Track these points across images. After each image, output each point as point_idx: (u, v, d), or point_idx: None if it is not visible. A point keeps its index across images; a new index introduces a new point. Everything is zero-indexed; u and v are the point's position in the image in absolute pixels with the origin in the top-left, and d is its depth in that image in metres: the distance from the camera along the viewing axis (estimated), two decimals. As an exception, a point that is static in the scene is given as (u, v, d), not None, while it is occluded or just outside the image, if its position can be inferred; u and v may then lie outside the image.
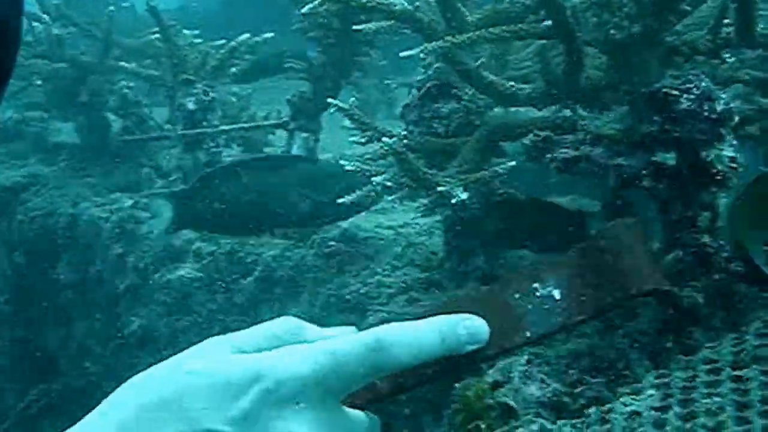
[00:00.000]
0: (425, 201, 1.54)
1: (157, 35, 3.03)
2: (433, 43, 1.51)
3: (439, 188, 1.49)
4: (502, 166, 1.50)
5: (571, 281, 0.86)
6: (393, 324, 0.67)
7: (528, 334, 0.75)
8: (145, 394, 0.60)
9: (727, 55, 1.65)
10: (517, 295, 0.78)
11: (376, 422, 0.69)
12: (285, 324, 0.67)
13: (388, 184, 1.47)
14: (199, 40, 3.26)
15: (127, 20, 4.09)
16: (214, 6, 8.93)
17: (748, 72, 1.48)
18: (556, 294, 0.80)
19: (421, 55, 1.49)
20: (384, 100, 4.35)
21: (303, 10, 1.57)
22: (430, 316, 0.69)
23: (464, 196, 1.41)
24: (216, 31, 3.85)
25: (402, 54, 1.53)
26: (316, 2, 1.52)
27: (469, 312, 0.70)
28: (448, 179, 1.53)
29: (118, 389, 0.62)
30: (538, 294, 0.80)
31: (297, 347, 0.63)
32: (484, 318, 0.70)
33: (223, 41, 3.19)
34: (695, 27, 1.65)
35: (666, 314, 1.39)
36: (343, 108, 1.73)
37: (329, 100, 1.72)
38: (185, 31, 3.07)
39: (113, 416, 0.59)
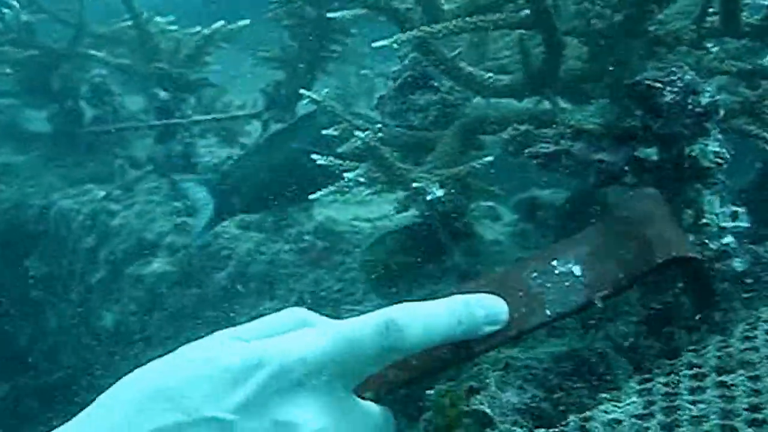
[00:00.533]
0: (400, 197, 1.49)
1: (129, 22, 2.95)
2: (407, 32, 1.45)
3: (414, 184, 1.43)
4: (479, 161, 1.44)
5: (591, 256, 0.81)
6: (407, 304, 0.62)
7: (548, 312, 0.69)
8: (146, 385, 0.57)
9: (711, 45, 1.60)
10: (534, 274, 0.72)
11: (390, 417, 0.64)
12: (291, 315, 0.62)
13: (362, 180, 1.41)
14: (174, 27, 3.18)
15: (101, 6, 3.98)
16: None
17: (733, 63, 1.43)
18: (577, 270, 0.76)
19: (395, 46, 1.43)
20: (364, 88, 4.29)
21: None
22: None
23: (440, 192, 1.35)
24: (197, 19, 3.78)
25: (374, 44, 1.47)
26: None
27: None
28: (423, 175, 1.47)
29: (119, 382, 0.59)
30: (557, 272, 0.74)
31: (304, 331, 0.59)
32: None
33: (198, 28, 3.12)
34: (678, 16, 1.60)
35: (649, 314, 1.34)
36: (316, 99, 1.67)
37: (301, 91, 1.65)
38: (158, 18, 2.98)
39: (114, 407, 0.56)
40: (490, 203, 2.05)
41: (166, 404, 0.54)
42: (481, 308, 0.63)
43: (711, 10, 1.50)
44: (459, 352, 0.64)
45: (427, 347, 0.60)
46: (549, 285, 0.72)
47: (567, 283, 0.73)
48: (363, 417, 0.60)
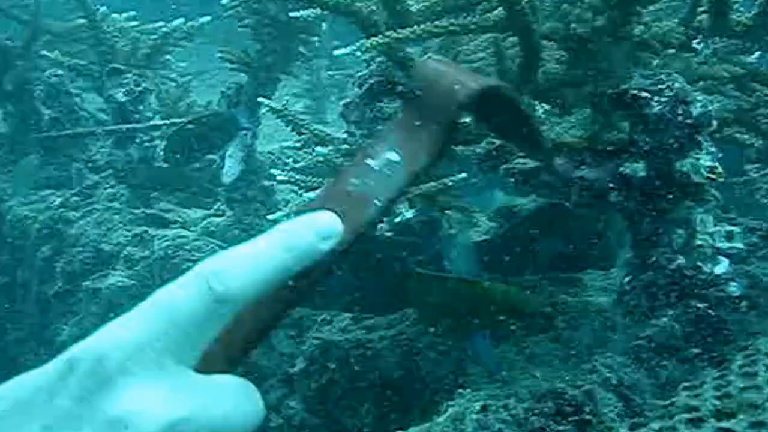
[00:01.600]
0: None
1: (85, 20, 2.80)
2: (372, 39, 1.33)
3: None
4: (452, 178, 1.32)
5: (401, 137, 0.75)
6: (222, 252, 0.51)
7: (378, 203, 0.62)
8: None
9: (700, 44, 1.49)
10: (354, 181, 0.65)
11: (250, 386, 0.52)
12: None
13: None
14: (134, 23, 3.03)
15: (59, 1, 3.81)
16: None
17: (725, 68, 1.32)
18: (393, 156, 0.69)
19: (358, 53, 1.30)
20: (337, 84, 4.16)
21: (223, 1, 1.37)
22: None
23: (409, 214, 1.23)
24: (164, 9, 3.63)
25: (336, 52, 1.34)
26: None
27: None
28: (391, 192, 1.35)
29: None
30: (375, 167, 0.68)
31: (127, 314, 0.49)
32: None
33: (159, 24, 2.97)
34: (663, 14, 1.49)
35: (638, 344, 1.23)
36: (275, 109, 1.54)
37: (260, 99, 1.52)
38: (114, 15, 2.83)
39: None
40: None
41: None
42: (307, 228, 0.54)
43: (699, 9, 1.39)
44: (299, 282, 0.54)
45: (261, 289, 0.51)
46: (372, 182, 0.66)
47: (388, 172, 0.67)
48: (213, 393, 0.50)
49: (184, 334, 0.49)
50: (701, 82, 1.38)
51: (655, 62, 1.32)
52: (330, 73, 3.38)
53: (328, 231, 0.54)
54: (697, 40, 1.49)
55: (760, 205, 1.91)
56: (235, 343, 0.56)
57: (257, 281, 0.51)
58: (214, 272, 0.50)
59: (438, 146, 0.79)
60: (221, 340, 0.54)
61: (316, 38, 2.29)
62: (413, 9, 1.49)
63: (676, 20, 1.43)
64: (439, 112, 0.84)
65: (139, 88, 2.62)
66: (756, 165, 2.01)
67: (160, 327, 0.48)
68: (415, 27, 1.34)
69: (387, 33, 1.33)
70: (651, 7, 1.38)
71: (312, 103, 4.21)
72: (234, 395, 0.50)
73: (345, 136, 1.59)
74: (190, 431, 0.47)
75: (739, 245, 1.25)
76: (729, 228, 1.25)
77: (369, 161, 0.72)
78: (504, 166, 1.28)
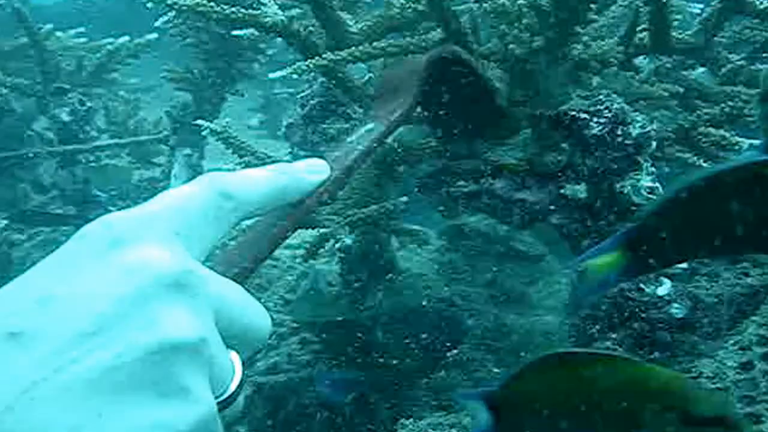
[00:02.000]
0: (308, 241, 1.34)
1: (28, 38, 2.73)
2: (309, 61, 1.30)
3: (323, 229, 1.28)
4: (393, 201, 1.30)
5: (376, 109, 0.90)
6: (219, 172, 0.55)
7: (360, 148, 0.74)
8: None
9: (645, 60, 1.49)
10: (337, 152, 0.74)
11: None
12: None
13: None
14: (83, 39, 2.97)
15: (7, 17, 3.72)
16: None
17: (665, 87, 1.31)
18: (369, 126, 0.81)
19: (294, 76, 1.28)
20: (291, 98, 4.12)
21: (156, 24, 1.34)
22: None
23: (349, 240, 1.21)
24: (118, 22, 3.55)
25: (271, 75, 1.32)
26: (170, 15, 1.29)
27: None
28: (332, 217, 1.33)
29: None
30: (354, 138, 0.78)
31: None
32: None
33: (107, 40, 2.92)
34: (602, 32, 1.48)
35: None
36: (215, 131, 1.51)
37: (199, 122, 1.49)
38: (59, 33, 2.78)
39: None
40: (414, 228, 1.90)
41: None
42: (300, 163, 0.61)
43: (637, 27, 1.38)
44: (296, 207, 0.62)
45: (261, 198, 0.55)
46: (353, 143, 0.76)
47: (367, 135, 0.79)
48: (227, 282, 0.50)
49: (192, 223, 0.50)
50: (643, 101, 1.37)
51: (594, 82, 1.31)
52: (278, 91, 3.35)
53: (317, 166, 0.61)
54: (640, 58, 1.49)
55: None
56: (244, 256, 0.60)
57: (257, 189, 0.54)
58: (219, 177, 0.53)
59: (408, 104, 0.92)
60: (230, 256, 0.60)
61: (261, 56, 2.26)
62: (353, 29, 1.47)
63: (615, 38, 1.42)
64: (408, 79, 0.98)
65: (85, 107, 2.57)
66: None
67: (171, 212, 0.49)
68: (354, 48, 1.32)
69: (325, 55, 1.31)
70: (591, 26, 1.38)
71: (266, 117, 4.18)
72: (246, 297, 0.50)
73: (288, 157, 1.56)
74: (209, 293, 0.46)
75: (683, 265, 1.24)
76: (671, 248, 1.24)
77: (349, 139, 0.79)
78: (446, 189, 1.26)
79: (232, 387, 0.47)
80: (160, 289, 0.44)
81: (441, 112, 1.17)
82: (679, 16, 1.43)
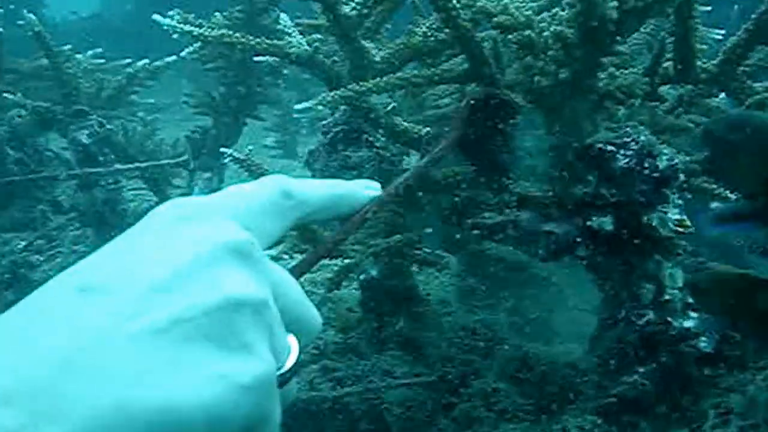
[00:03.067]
0: (329, 274, 1.34)
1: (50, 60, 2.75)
2: (334, 92, 1.30)
3: (346, 260, 1.28)
4: (418, 232, 1.29)
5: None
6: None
7: (409, 172, 0.79)
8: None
9: (668, 89, 1.48)
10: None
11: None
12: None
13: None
14: (101, 60, 2.99)
15: (22, 38, 3.76)
16: (129, 11, 8.59)
17: (690, 119, 1.31)
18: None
19: (319, 107, 1.28)
20: (308, 119, 4.13)
21: (182, 54, 1.34)
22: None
23: (374, 272, 1.20)
24: (130, 40, 3.57)
25: (297, 106, 1.32)
26: (196, 46, 1.29)
27: None
28: (356, 247, 1.32)
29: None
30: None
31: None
32: None
33: (127, 61, 2.94)
34: (626, 59, 1.48)
35: (608, 402, 1.21)
36: (237, 158, 1.51)
37: (222, 149, 1.49)
38: (79, 56, 2.79)
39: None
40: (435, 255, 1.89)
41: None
42: (354, 181, 0.65)
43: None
44: (349, 223, 0.67)
45: (318, 203, 0.59)
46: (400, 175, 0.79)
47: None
48: (287, 276, 0.53)
49: (254, 213, 0.53)
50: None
51: (620, 112, 1.31)
52: (297, 115, 3.35)
53: (370, 185, 0.64)
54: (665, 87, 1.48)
55: (731, 246, 1.90)
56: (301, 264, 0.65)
57: (316, 193, 0.57)
58: (282, 178, 0.56)
59: (451, 139, 1.06)
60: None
61: (281, 82, 2.26)
62: (376, 58, 1.47)
63: (640, 68, 1.42)
64: (453, 120, 1.14)
65: (103, 130, 2.58)
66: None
67: (236, 200, 0.52)
68: (378, 80, 1.32)
69: (349, 86, 1.31)
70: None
71: (283, 137, 4.18)
72: (300, 289, 0.52)
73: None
74: (269, 269, 0.49)
75: (709, 298, 1.23)
76: (698, 281, 1.23)
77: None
78: (470, 220, 1.26)
79: (288, 365, 0.49)
80: (225, 254, 0.47)
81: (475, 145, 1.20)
82: (704, 46, 1.43)
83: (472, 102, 1.19)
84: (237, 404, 0.45)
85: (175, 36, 1.32)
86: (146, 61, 2.69)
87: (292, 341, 0.51)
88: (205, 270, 0.46)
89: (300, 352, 0.51)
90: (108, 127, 2.58)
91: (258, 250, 0.49)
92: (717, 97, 1.59)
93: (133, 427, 0.42)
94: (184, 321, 0.44)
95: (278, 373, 0.48)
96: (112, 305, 0.44)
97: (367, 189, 0.65)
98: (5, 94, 2.67)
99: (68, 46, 3.00)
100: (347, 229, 0.68)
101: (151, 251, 0.47)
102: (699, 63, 1.43)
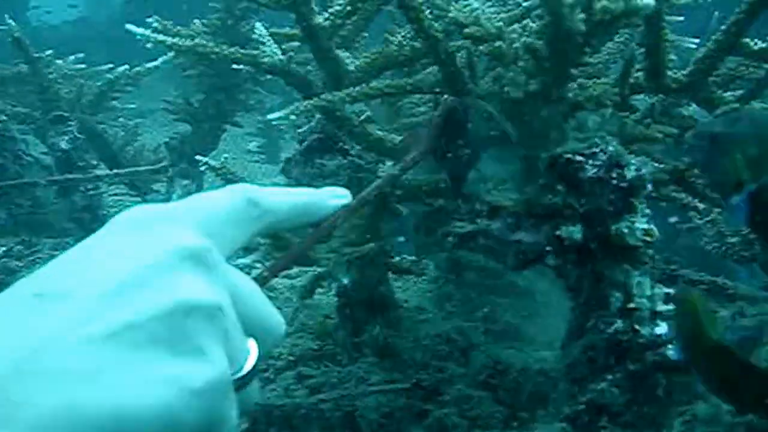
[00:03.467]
0: (302, 282, 1.35)
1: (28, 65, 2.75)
2: (307, 102, 1.31)
3: (318, 269, 1.29)
4: (390, 240, 1.31)
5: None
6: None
7: (382, 180, 0.83)
8: None
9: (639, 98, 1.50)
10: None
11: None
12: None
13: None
14: (82, 65, 2.99)
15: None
16: (115, 15, 8.56)
17: (660, 129, 1.32)
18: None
19: (292, 117, 1.29)
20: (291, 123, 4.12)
21: (155, 63, 1.35)
22: None
23: (346, 280, 1.21)
24: (115, 44, 3.56)
25: (270, 116, 1.33)
26: (170, 55, 1.30)
27: None
28: (329, 255, 1.33)
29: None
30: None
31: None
32: None
33: (107, 66, 2.94)
34: (597, 68, 1.49)
35: (577, 409, 1.22)
36: (213, 167, 1.52)
37: (198, 157, 1.50)
38: (59, 61, 2.79)
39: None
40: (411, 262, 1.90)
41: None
42: (323, 189, 0.63)
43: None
44: (318, 231, 0.69)
45: (285, 212, 0.58)
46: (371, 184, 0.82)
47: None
48: (248, 280, 0.52)
49: (217, 220, 0.52)
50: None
51: (589, 122, 1.32)
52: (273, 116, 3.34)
53: (339, 193, 0.63)
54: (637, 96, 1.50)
55: (705, 251, 1.92)
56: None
57: (283, 203, 0.57)
58: (249, 186, 0.55)
59: (421, 150, 1.04)
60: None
61: (259, 89, 2.27)
62: (351, 67, 1.48)
63: (610, 77, 1.44)
64: (425, 129, 1.13)
65: (84, 136, 2.58)
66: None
67: (198, 207, 0.52)
68: (351, 89, 1.34)
69: (323, 96, 1.32)
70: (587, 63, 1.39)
71: (265, 141, 4.19)
72: (262, 294, 0.52)
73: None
74: (227, 274, 0.49)
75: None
76: (666, 290, 1.25)
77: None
78: (441, 230, 1.27)
79: (246, 367, 0.50)
80: (179, 260, 0.48)
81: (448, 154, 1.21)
82: (674, 57, 1.45)
83: (443, 113, 1.19)
84: (188, 407, 0.46)
85: (149, 45, 1.33)
86: (126, 67, 2.69)
87: (252, 345, 0.52)
88: (159, 275, 0.47)
89: (260, 357, 0.52)
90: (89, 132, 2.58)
91: (214, 256, 0.50)
92: (689, 106, 1.61)
93: (83, 430, 0.42)
94: (136, 325, 0.45)
95: (236, 377, 0.50)
96: (66, 310, 0.44)
97: (336, 198, 0.65)
98: (-16, 100, 2.67)
99: (49, 51, 3.00)
100: (315, 237, 0.70)
101: (107, 257, 0.48)
102: (669, 73, 1.45)
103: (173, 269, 0.48)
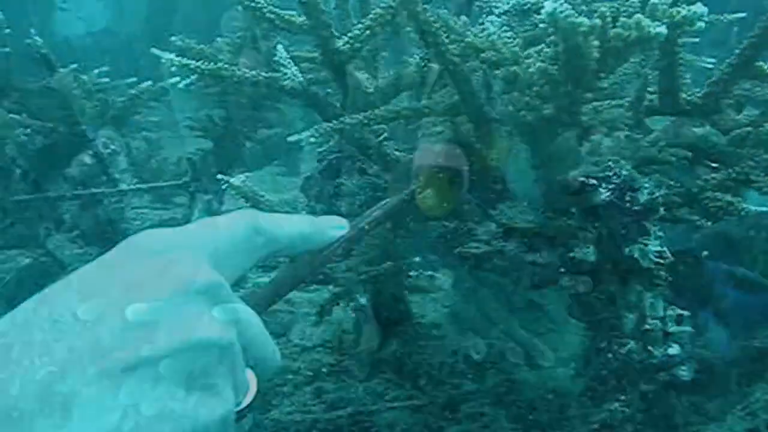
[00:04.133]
0: (322, 299, 1.37)
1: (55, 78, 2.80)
2: (326, 125, 1.34)
3: (336, 289, 1.32)
4: (405, 261, 1.33)
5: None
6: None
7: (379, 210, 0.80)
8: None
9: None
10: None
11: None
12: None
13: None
14: (106, 79, 3.04)
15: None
16: (138, 27, 8.64)
17: (672, 152, 1.34)
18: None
19: (311, 140, 1.32)
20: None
21: (179, 85, 1.39)
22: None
23: (363, 300, 1.24)
24: (140, 57, 3.61)
25: (290, 138, 1.36)
26: (192, 78, 1.34)
27: None
28: (347, 274, 1.36)
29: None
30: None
31: None
32: None
33: (131, 80, 2.98)
34: (611, 90, 1.51)
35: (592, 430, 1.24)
36: (234, 185, 1.55)
37: (219, 176, 1.53)
38: (83, 76, 2.84)
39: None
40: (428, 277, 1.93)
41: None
42: (324, 218, 0.68)
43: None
44: (314, 260, 0.70)
45: (287, 239, 0.61)
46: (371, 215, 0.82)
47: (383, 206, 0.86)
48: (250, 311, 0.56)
49: (224, 248, 0.55)
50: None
51: (603, 145, 1.34)
52: (292, 138, 3.38)
53: (339, 223, 0.67)
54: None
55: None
56: (266, 294, 0.67)
57: (285, 232, 0.60)
58: (255, 213, 0.59)
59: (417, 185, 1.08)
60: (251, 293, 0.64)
61: (281, 105, 2.31)
62: (370, 89, 1.51)
63: (624, 100, 1.46)
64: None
65: (108, 150, 2.62)
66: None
67: (207, 234, 0.55)
68: (369, 112, 1.36)
69: (341, 119, 1.35)
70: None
71: (285, 157, 4.21)
72: (262, 326, 0.55)
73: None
74: (235, 308, 0.52)
75: (689, 328, 1.27)
76: (679, 311, 1.27)
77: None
78: (457, 250, 1.29)
79: (245, 402, 0.52)
80: (195, 295, 0.50)
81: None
82: (687, 79, 1.47)
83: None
84: None
85: (173, 69, 1.37)
86: (150, 83, 2.74)
87: (251, 377, 0.54)
88: (177, 311, 0.49)
89: (257, 389, 0.55)
90: (112, 147, 2.62)
91: (227, 291, 0.52)
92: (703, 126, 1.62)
93: None
94: (153, 361, 0.47)
95: (236, 409, 0.52)
96: (87, 339, 0.46)
97: (335, 228, 0.67)
98: (10, 115, 2.72)
99: (74, 66, 3.05)
100: (312, 267, 0.70)
101: (128, 288, 0.49)
102: (683, 95, 1.47)
103: (191, 304, 0.50)
